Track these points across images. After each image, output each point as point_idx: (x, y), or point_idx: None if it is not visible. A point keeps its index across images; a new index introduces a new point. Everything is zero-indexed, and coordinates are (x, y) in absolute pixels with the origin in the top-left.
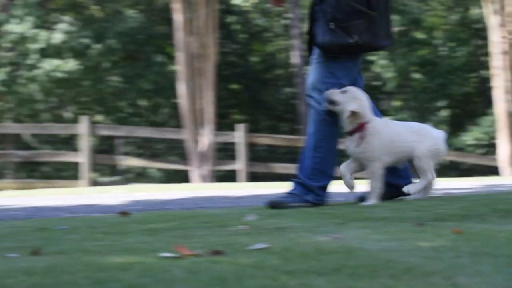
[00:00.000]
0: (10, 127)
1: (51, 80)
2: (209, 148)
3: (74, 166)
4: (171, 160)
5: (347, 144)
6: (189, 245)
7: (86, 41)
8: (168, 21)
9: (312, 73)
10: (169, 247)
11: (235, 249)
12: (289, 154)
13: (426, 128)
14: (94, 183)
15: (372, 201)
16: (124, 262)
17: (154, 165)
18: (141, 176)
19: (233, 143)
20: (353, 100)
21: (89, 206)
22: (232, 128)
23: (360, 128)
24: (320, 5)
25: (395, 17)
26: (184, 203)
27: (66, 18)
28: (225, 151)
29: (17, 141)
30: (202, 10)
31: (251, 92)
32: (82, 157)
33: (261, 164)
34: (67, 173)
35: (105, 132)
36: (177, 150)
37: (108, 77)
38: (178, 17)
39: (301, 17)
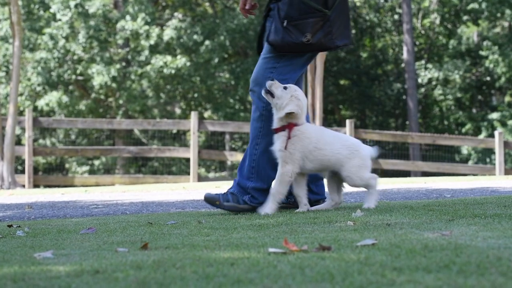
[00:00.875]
0: (121, 123)
1: (161, 76)
2: None
3: (183, 161)
4: None
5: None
6: (296, 241)
7: (196, 37)
8: None
9: (256, 68)
10: (277, 243)
11: (343, 245)
12: (397, 150)
13: (357, 145)
14: (202, 178)
15: (270, 208)
16: (231, 257)
17: None
18: None
19: None
20: (292, 99)
21: (197, 201)
22: (340, 124)
23: (288, 127)
24: (276, 3)
25: (507, 11)
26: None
27: (178, 14)
28: None
29: (127, 137)
30: None
31: (360, 87)
32: (190, 153)
33: None
34: (175, 168)
35: (213, 128)
36: None
37: (217, 73)
38: None
39: (412, 12)
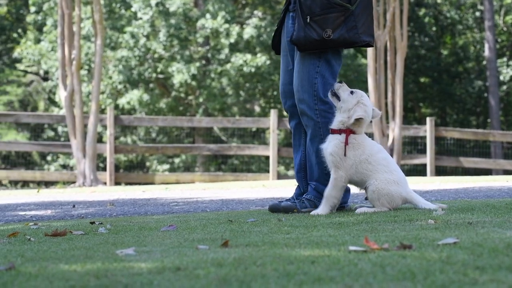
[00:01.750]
0: (201, 121)
1: (240, 74)
2: (397, 141)
3: (262, 159)
4: None
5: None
6: (377, 239)
7: None
8: None
9: (298, 74)
10: (357, 241)
11: (424, 244)
12: (478, 148)
13: (403, 180)
14: (281, 176)
15: (322, 210)
16: (311, 255)
17: None
18: None
19: (421, 137)
20: (359, 105)
21: (277, 199)
22: (420, 122)
23: (345, 132)
24: None
25: None
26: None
27: (257, 12)
28: (413, 145)
29: (207, 135)
30: (393, 3)
31: (440, 85)
32: (269, 151)
33: (449, 158)
34: (255, 166)
35: None
36: None
37: None
38: None
39: (494, 9)
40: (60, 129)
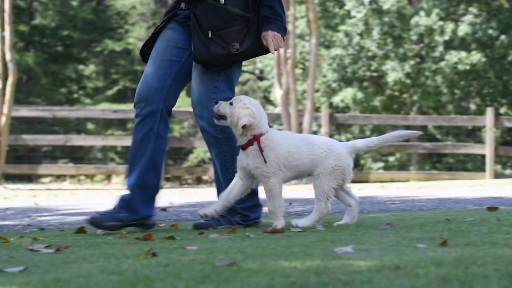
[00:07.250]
0: (415, 119)
1: (455, 72)
2: None
3: (478, 158)
4: None
5: (239, 158)
6: None
7: (491, 32)
8: None
9: (195, 91)
10: None
11: None
12: None
13: (329, 143)
14: (498, 175)
15: (279, 223)
16: None
17: None
18: None
19: None
20: (240, 111)
21: (494, 198)
22: None
23: (254, 140)
24: (191, 10)
25: None
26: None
27: (472, 9)
28: None
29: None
30: None
31: None
32: (486, 149)
33: None
34: (471, 165)
35: (510, 124)
36: None
37: None
38: None
39: None
40: (275, 127)
